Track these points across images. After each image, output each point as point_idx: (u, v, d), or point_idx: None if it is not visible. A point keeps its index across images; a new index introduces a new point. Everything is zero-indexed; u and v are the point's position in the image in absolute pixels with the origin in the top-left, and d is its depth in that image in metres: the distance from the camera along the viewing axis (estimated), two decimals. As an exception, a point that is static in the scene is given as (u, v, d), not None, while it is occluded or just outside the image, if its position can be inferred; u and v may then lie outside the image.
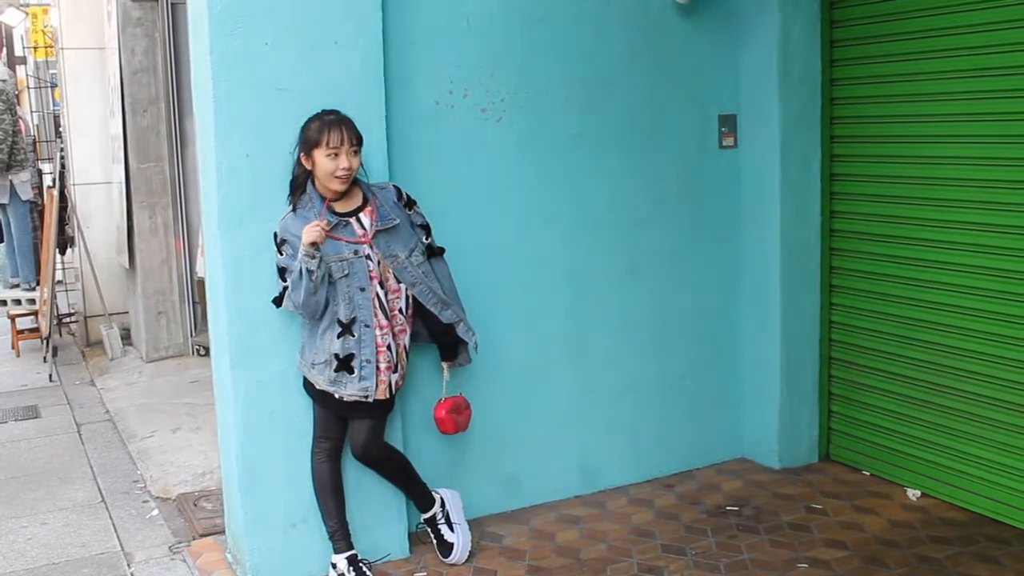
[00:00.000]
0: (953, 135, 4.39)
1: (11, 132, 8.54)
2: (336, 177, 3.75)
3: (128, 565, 4.37)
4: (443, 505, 4.19)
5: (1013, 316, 4.22)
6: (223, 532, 4.47)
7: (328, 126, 3.73)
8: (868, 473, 4.94)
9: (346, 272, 3.80)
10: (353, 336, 3.83)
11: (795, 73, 4.83)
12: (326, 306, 3.81)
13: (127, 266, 8.21)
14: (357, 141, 3.78)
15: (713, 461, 5.15)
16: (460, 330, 4.08)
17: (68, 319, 9.12)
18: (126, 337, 8.47)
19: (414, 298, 3.97)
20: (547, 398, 4.71)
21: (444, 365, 4.17)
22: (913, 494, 4.67)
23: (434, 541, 4.19)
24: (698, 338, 5.07)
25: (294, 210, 3.80)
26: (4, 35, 17.04)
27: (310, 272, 3.68)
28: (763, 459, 5.11)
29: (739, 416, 5.19)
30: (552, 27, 4.55)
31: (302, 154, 3.79)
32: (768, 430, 5.07)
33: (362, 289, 3.82)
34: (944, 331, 4.51)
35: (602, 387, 4.84)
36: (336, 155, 3.72)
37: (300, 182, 3.83)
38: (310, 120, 3.80)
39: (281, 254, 3.81)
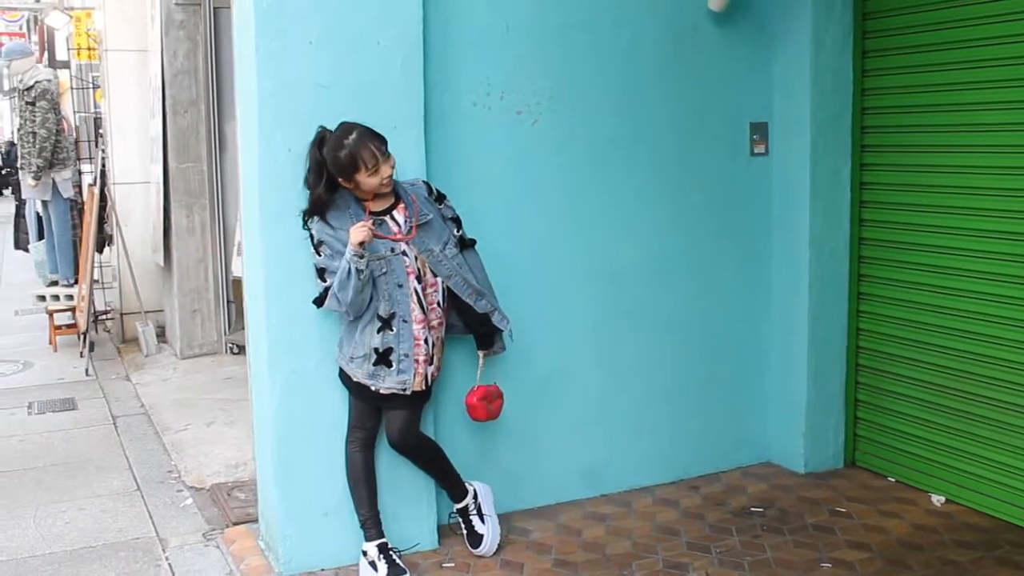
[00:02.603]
0: (984, 145, 4.44)
1: (55, 131, 8.73)
2: (384, 186, 3.85)
3: (163, 550, 4.47)
4: (475, 497, 4.28)
5: (1038, 324, 4.27)
6: (256, 521, 4.56)
7: (358, 149, 3.77)
8: (893, 479, 4.98)
9: (384, 270, 3.89)
10: (392, 331, 3.92)
11: (827, 81, 4.90)
12: (368, 302, 3.90)
13: (163, 264, 8.36)
14: (385, 145, 3.86)
15: (739, 464, 5.20)
16: (495, 319, 4.17)
17: (104, 316, 9.28)
18: (161, 335, 8.61)
19: (449, 290, 4.05)
20: (575, 397, 4.79)
21: (480, 354, 4.26)
22: (938, 500, 4.70)
23: (464, 532, 4.27)
24: (726, 342, 5.13)
25: (323, 218, 3.88)
26: (47, 38, 17.34)
27: (359, 271, 3.77)
28: (789, 463, 5.16)
29: (766, 420, 5.24)
30: (589, 33, 4.64)
31: (339, 179, 3.85)
32: (794, 435, 5.12)
33: (400, 285, 3.91)
34: (971, 339, 4.55)
35: (630, 388, 4.91)
36: (376, 170, 3.82)
37: (324, 201, 3.87)
38: (328, 146, 3.82)
39: (319, 255, 3.90)
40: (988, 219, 4.43)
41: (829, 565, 4.09)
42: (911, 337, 4.84)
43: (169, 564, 4.32)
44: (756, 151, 5.07)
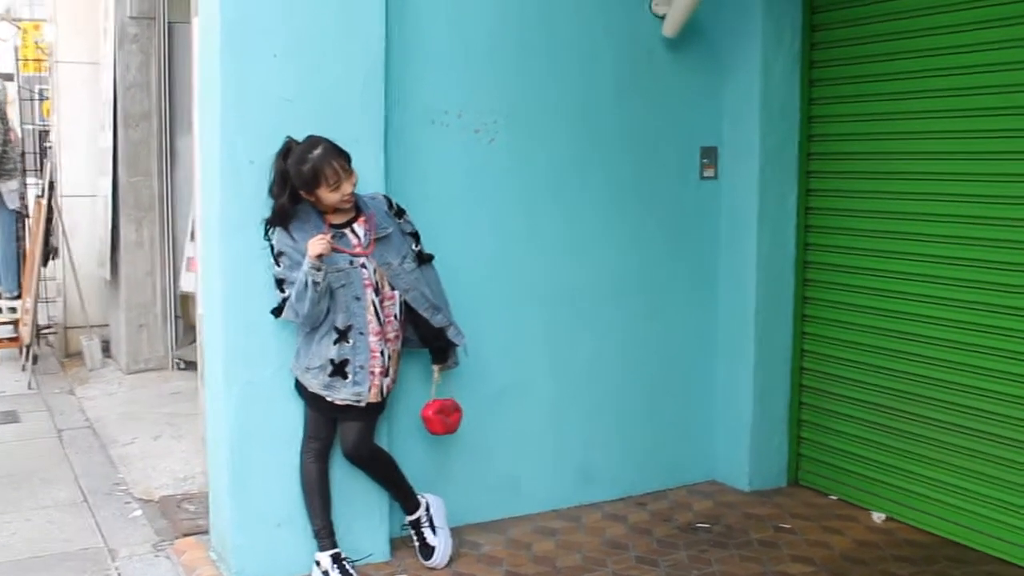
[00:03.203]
0: (925, 172, 4.61)
1: (2, 141, 8.64)
2: (344, 202, 3.90)
3: (112, 560, 4.45)
4: (428, 509, 4.32)
5: (974, 345, 4.42)
6: (206, 533, 4.55)
7: (322, 164, 3.81)
8: (836, 497, 5.10)
9: (343, 282, 3.94)
10: (348, 343, 3.96)
11: (775, 109, 5.05)
12: (325, 314, 3.94)
13: (109, 278, 8.30)
14: (349, 161, 3.91)
15: (685, 482, 5.30)
16: (451, 333, 4.24)
17: (46, 331, 9.15)
18: (106, 349, 8.53)
19: (406, 304, 4.11)
20: (528, 413, 4.85)
21: (435, 368, 4.32)
22: (878, 517, 4.83)
23: (416, 544, 4.31)
24: (674, 362, 5.23)
25: (285, 228, 3.92)
26: (-10, 50, 17.09)
27: (316, 284, 3.81)
28: (734, 482, 5.26)
29: (712, 439, 5.35)
30: (547, 55, 4.74)
31: (302, 192, 3.88)
32: (739, 454, 5.23)
33: (357, 298, 3.96)
34: (911, 360, 4.70)
35: (581, 404, 4.99)
36: (338, 186, 3.86)
37: (288, 212, 3.90)
38: (292, 159, 3.86)
39: (279, 265, 3.94)
40: (929, 244, 4.59)
41: (774, 578, 4.19)
42: (854, 359, 4.98)
43: (119, 574, 4.30)
44: (706, 175, 5.20)
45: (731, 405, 5.26)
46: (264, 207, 4.00)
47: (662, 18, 4.91)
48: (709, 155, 5.20)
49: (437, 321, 4.22)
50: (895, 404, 4.78)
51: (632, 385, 5.12)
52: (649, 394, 5.17)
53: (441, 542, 4.28)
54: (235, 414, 4.08)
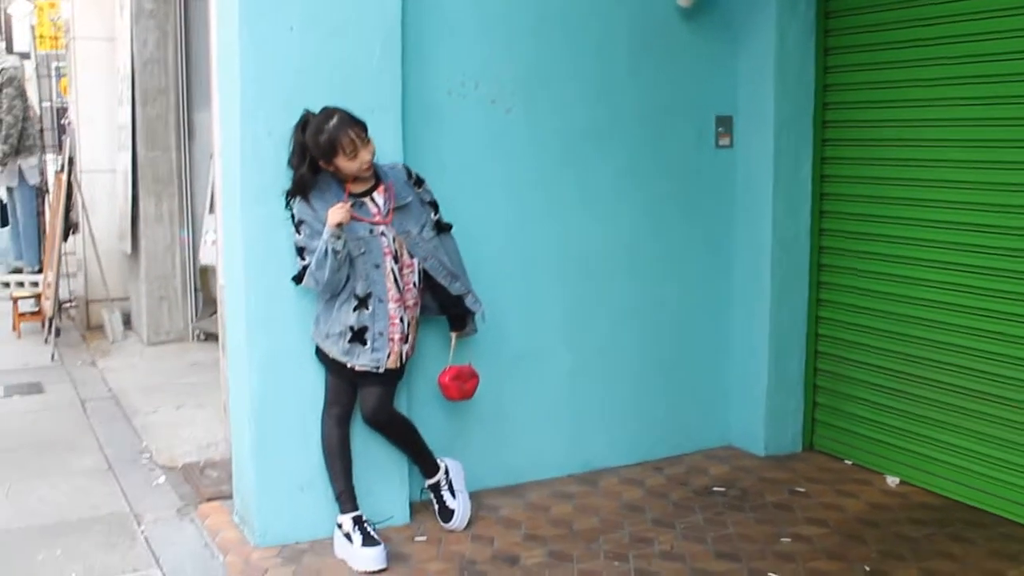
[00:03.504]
0: (939, 139, 4.63)
1: (22, 118, 8.73)
2: (364, 170, 3.96)
3: (138, 524, 4.54)
4: (447, 473, 4.39)
5: (988, 311, 4.45)
6: (229, 498, 4.64)
7: (338, 133, 3.87)
8: (850, 462, 5.15)
9: (363, 250, 4.00)
10: (368, 310, 4.03)
11: (790, 78, 5.07)
12: (345, 281, 4.00)
13: (130, 252, 8.39)
14: (365, 131, 3.96)
15: (701, 447, 5.36)
16: (468, 301, 4.30)
17: (68, 304, 9.27)
18: (126, 322, 8.64)
19: (424, 272, 4.17)
20: (545, 379, 4.92)
21: (452, 335, 4.39)
22: (892, 481, 4.89)
23: (436, 507, 4.39)
24: (691, 328, 5.28)
25: (305, 198, 3.99)
26: (5, 27, 17.19)
27: (335, 252, 3.88)
28: (749, 446, 5.32)
29: (728, 405, 5.41)
30: (563, 24, 4.78)
31: (321, 163, 3.95)
32: (755, 419, 5.29)
33: (377, 266, 4.02)
34: (924, 325, 4.74)
35: (597, 371, 5.05)
36: (356, 155, 3.92)
37: (307, 183, 3.97)
38: (310, 130, 3.92)
39: (300, 234, 4.01)
40: (943, 210, 4.62)
41: (788, 540, 4.25)
42: (868, 324, 5.02)
43: (145, 537, 4.39)
44: (721, 143, 5.23)
45: (747, 370, 5.31)
46: (284, 177, 4.06)
47: (677, -12, 4.94)
48: (724, 124, 5.23)
49: (455, 289, 4.28)
50: (910, 369, 4.83)
51: (648, 351, 5.17)
52: (665, 360, 5.22)
53: (460, 505, 4.36)
54: (257, 380, 4.16)
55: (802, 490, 4.80)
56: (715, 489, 4.83)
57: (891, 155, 4.86)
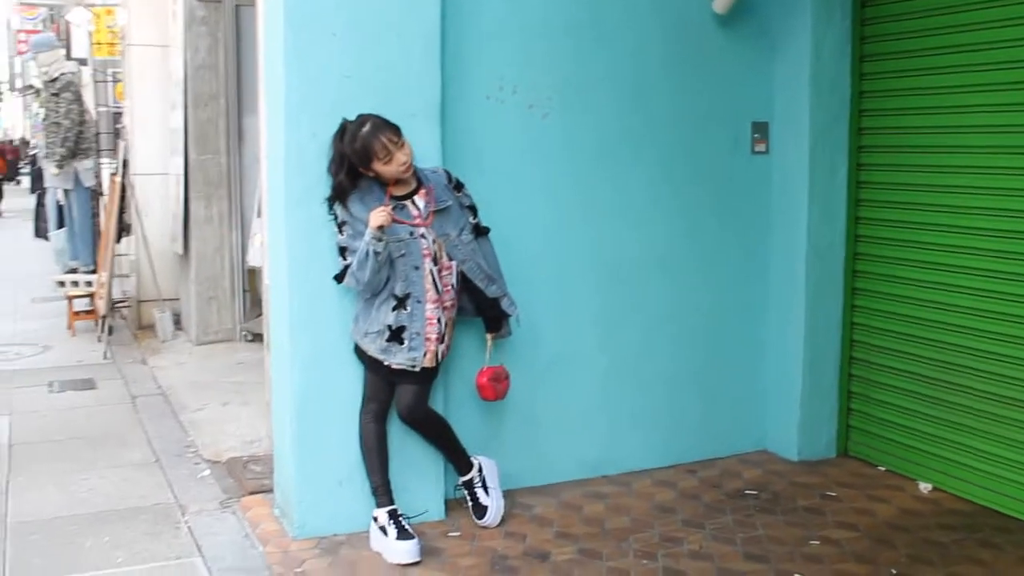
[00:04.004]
0: (978, 146, 4.65)
1: (79, 122, 8.99)
2: (402, 171, 4.08)
3: (183, 514, 4.69)
4: (480, 470, 4.49)
5: (1019, 317, 4.46)
6: (270, 491, 4.78)
7: (370, 140, 4.01)
8: (884, 468, 5.18)
9: (403, 252, 4.12)
10: (406, 310, 4.14)
11: (825, 85, 5.11)
12: (385, 282, 4.12)
13: (181, 253, 8.59)
14: (398, 135, 4.07)
15: (735, 451, 5.41)
16: (504, 304, 4.40)
17: (121, 304, 9.51)
18: (176, 322, 8.85)
19: (462, 274, 4.27)
20: (580, 382, 5.00)
21: (488, 336, 4.49)
22: (925, 487, 4.90)
23: (470, 504, 4.48)
24: (725, 333, 5.33)
25: (344, 203, 4.11)
26: (65, 34, 17.61)
27: (376, 253, 4.00)
28: (783, 451, 5.36)
29: (762, 410, 5.45)
30: (599, 32, 4.86)
31: (360, 168, 4.07)
32: (789, 424, 5.33)
33: (416, 267, 4.14)
34: (960, 333, 4.75)
35: (632, 374, 5.12)
36: (390, 159, 4.04)
37: (345, 187, 4.10)
38: (347, 137, 4.06)
39: (342, 234, 4.13)
40: (979, 216, 4.63)
41: (817, 542, 4.29)
42: (903, 331, 5.04)
43: (188, 527, 4.53)
44: (757, 149, 5.28)
45: (781, 376, 5.35)
46: (327, 179, 4.18)
47: (713, -5, 5.01)
48: (760, 130, 5.28)
49: (491, 291, 4.38)
50: (944, 376, 4.84)
51: (683, 356, 5.24)
52: (700, 364, 5.28)
53: (493, 502, 4.45)
54: (299, 377, 4.29)
55: (834, 495, 4.83)
56: (747, 492, 4.88)
57: (927, 162, 4.89)
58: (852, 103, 5.19)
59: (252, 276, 8.20)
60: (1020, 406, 4.50)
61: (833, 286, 5.27)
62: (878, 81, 5.12)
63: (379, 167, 4.04)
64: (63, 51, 13.45)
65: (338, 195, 4.12)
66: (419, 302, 4.15)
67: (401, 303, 4.14)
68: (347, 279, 4.15)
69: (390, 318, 4.14)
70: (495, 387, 4.50)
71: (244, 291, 8.38)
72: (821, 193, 5.17)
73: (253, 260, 7.80)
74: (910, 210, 4.97)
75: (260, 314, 7.47)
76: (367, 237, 4.01)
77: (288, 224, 4.25)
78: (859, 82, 5.19)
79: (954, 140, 4.75)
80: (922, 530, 4.42)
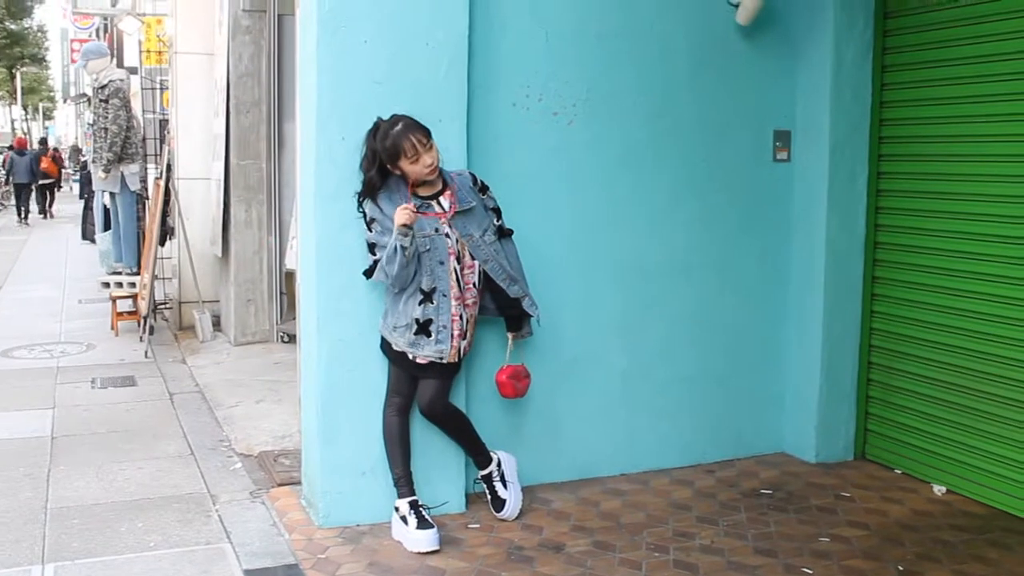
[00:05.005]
0: (994, 155, 4.73)
1: (125, 127, 9.26)
2: (427, 173, 4.23)
3: (214, 504, 4.87)
4: (499, 465, 4.62)
5: (1037, 324, 4.54)
6: (299, 483, 4.95)
7: (400, 139, 4.17)
8: (900, 471, 5.25)
9: (428, 247, 4.27)
10: (433, 304, 4.29)
11: (846, 93, 5.21)
12: (412, 276, 4.28)
13: (220, 256, 8.83)
14: (428, 137, 4.23)
15: (754, 453, 5.50)
16: (525, 304, 4.53)
17: (162, 306, 9.77)
18: (216, 324, 9.08)
19: (484, 274, 4.42)
20: (600, 381, 5.12)
21: (509, 336, 4.62)
22: (939, 490, 4.97)
23: (488, 497, 4.62)
24: (745, 336, 5.44)
25: (373, 199, 4.28)
26: (116, 44, 18.05)
27: (403, 249, 4.16)
28: (801, 453, 5.45)
29: (781, 412, 5.54)
30: (624, 41, 5.00)
31: (389, 166, 4.24)
32: (807, 427, 5.41)
33: (441, 263, 4.29)
34: (978, 338, 4.82)
35: (652, 375, 5.23)
36: (417, 159, 4.20)
37: (375, 183, 4.27)
38: (379, 135, 4.23)
39: (371, 231, 4.30)
40: (998, 224, 4.71)
41: (827, 539, 4.38)
42: (921, 336, 5.12)
43: (219, 515, 4.71)
44: (779, 157, 5.39)
45: (800, 379, 5.44)
46: (356, 179, 4.35)
47: (736, 6, 5.11)
48: (782, 138, 5.39)
49: (513, 292, 4.51)
50: (962, 381, 4.91)
51: (702, 358, 5.34)
52: (719, 367, 5.38)
53: (511, 496, 4.59)
54: (326, 370, 4.45)
55: (847, 495, 4.92)
56: (762, 491, 4.97)
57: (947, 171, 4.97)
58: (873, 112, 5.28)
59: (289, 279, 8.39)
60: (1033, 411, 4.57)
61: (852, 292, 5.36)
62: (899, 91, 5.21)
63: (406, 165, 4.20)
64: (112, 58, 13.83)
65: (368, 191, 4.28)
66: (445, 296, 4.30)
67: (428, 297, 4.29)
68: (376, 274, 4.30)
69: (417, 312, 4.29)
70: (515, 385, 4.63)
71: (281, 294, 8.58)
72: (841, 201, 5.26)
73: (290, 263, 8.00)
74: (929, 218, 5.05)
75: (296, 316, 7.67)
76: (394, 233, 4.17)
77: (318, 220, 4.42)
78: (880, 91, 5.28)
79: (974, 149, 4.83)
80: (932, 530, 4.49)
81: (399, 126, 4.19)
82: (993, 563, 4.14)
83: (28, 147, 27.34)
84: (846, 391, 5.41)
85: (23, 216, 23.39)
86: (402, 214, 4.16)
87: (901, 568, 4.08)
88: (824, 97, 5.22)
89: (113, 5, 19.52)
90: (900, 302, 5.24)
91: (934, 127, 5.04)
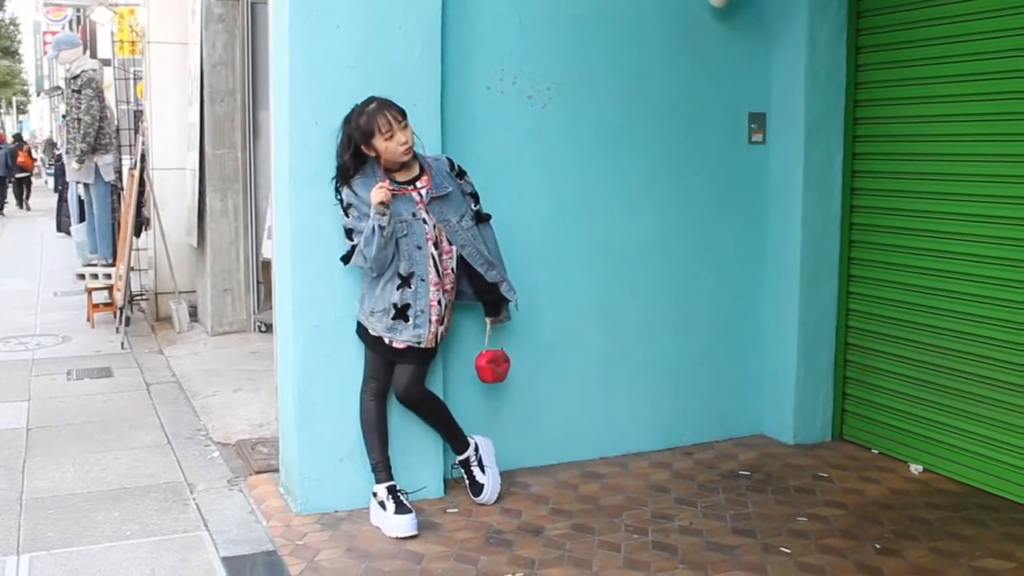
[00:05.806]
0: (968, 134, 4.74)
1: (98, 118, 9.19)
2: (401, 152, 4.21)
3: (191, 492, 4.84)
4: (476, 449, 4.62)
5: (1015, 302, 4.55)
6: (277, 471, 4.92)
7: (374, 116, 4.16)
8: (877, 451, 5.27)
9: (405, 232, 4.25)
10: (411, 288, 4.27)
11: (821, 76, 5.21)
12: (390, 261, 4.26)
13: (196, 246, 8.77)
14: (403, 116, 4.22)
15: (732, 435, 5.52)
16: (503, 289, 4.52)
17: (139, 297, 9.71)
18: (192, 314, 9.03)
19: (461, 259, 4.40)
20: (578, 364, 5.12)
21: (487, 321, 4.61)
22: (916, 469, 5.00)
23: (466, 481, 4.61)
24: (722, 318, 5.45)
25: (348, 184, 4.25)
26: (89, 35, 17.91)
27: (382, 228, 4.14)
28: (779, 435, 5.47)
29: (759, 394, 5.56)
30: (597, 23, 4.99)
31: (362, 147, 4.22)
32: (784, 408, 5.43)
33: (419, 248, 4.27)
34: (953, 317, 4.85)
35: (630, 357, 5.24)
36: (392, 135, 4.18)
37: (348, 167, 4.25)
38: (353, 117, 4.22)
39: (348, 216, 4.27)
40: (972, 204, 4.72)
41: (805, 519, 4.40)
42: (898, 316, 5.14)
43: (196, 504, 4.69)
44: (754, 139, 5.39)
45: (777, 361, 5.46)
46: (330, 164, 4.32)
47: (710, -11, 5.12)
48: (757, 120, 5.39)
49: (491, 276, 4.50)
50: (938, 360, 4.93)
51: (680, 341, 5.35)
52: (697, 350, 5.39)
53: (489, 480, 4.58)
54: (302, 357, 4.43)
55: (825, 475, 4.94)
56: (740, 473, 4.99)
57: (921, 151, 4.98)
58: (847, 94, 5.29)
59: (266, 268, 8.36)
60: (1011, 389, 4.59)
61: (828, 273, 5.37)
62: (873, 72, 5.22)
63: (380, 143, 4.16)
64: (86, 50, 13.71)
65: (343, 175, 4.26)
66: (423, 280, 4.28)
67: (406, 282, 4.27)
68: (354, 258, 4.28)
69: (395, 296, 4.27)
70: (494, 369, 4.62)
71: (258, 283, 8.54)
72: (816, 183, 5.27)
73: (267, 252, 7.98)
74: (904, 198, 5.07)
75: (273, 305, 7.64)
76: (372, 212, 4.15)
77: (292, 207, 4.40)
78: (854, 73, 5.29)
79: (948, 129, 4.84)
80: (909, 508, 4.52)
81: (374, 104, 4.19)
82: (969, 539, 4.17)
83: (3, 141, 27.14)
84: (823, 372, 5.43)
85: (-2, 209, 23.25)
86: (378, 192, 4.13)
87: (879, 546, 4.10)
88: (799, 79, 5.22)
89: (84, -4, 19.34)
90: (876, 282, 5.26)
91: (908, 108, 5.05)
